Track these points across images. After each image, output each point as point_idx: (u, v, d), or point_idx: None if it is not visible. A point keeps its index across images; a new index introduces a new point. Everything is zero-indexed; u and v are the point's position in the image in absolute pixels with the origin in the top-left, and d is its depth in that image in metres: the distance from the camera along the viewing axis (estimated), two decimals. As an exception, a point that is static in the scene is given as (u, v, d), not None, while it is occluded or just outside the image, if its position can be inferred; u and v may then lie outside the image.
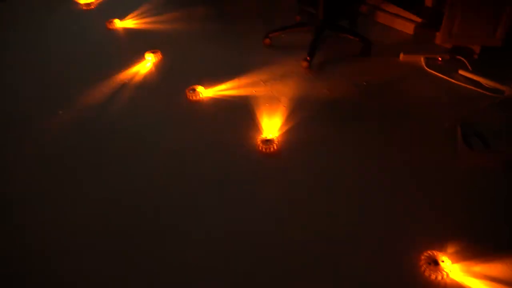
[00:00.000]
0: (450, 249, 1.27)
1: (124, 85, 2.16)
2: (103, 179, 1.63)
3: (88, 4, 3.03)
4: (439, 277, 1.20)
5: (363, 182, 1.55)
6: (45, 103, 2.08)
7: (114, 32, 2.71)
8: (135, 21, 2.79)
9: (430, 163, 1.61)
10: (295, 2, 2.37)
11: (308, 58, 2.18)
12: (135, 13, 2.89)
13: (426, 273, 1.21)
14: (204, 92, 2.05)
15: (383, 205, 1.45)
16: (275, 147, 1.70)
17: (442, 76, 2.09)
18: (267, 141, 1.72)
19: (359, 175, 1.58)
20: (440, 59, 2.19)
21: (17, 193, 1.60)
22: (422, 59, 2.21)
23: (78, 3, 3.07)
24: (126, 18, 2.82)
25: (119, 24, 2.76)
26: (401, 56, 2.25)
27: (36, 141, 1.84)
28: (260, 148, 1.70)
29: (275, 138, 1.74)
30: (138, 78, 2.21)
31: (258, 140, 1.73)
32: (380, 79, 2.13)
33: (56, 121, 1.94)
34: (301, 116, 1.88)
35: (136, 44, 2.53)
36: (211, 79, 2.14)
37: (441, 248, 1.27)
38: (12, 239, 1.42)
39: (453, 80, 2.05)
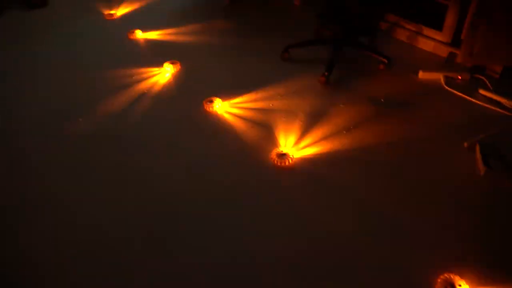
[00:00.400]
0: (468, 273, 1.24)
1: (143, 95, 2.19)
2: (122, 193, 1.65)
3: (111, 15, 3.11)
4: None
5: (377, 199, 1.53)
6: (64, 110, 2.12)
7: (134, 42, 2.76)
8: (156, 32, 2.84)
9: (448, 183, 1.59)
10: (315, 17, 2.37)
11: (326, 73, 2.18)
12: (157, 25, 2.94)
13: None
14: (222, 104, 2.07)
15: (398, 224, 1.43)
16: (290, 161, 1.70)
17: (462, 95, 2.07)
18: (282, 155, 1.72)
19: (372, 192, 1.57)
20: (460, 78, 2.17)
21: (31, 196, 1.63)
22: (441, 77, 2.19)
23: (102, 13, 3.15)
24: (147, 30, 2.88)
25: (140, 35, 2.82)
26: (420, 73, 2.23)
27: (55, 147, 1.88)
28: (275, 161, 1.70)
29: (290, 152, 1.74)
30: (156, 88, 2.24)
31: (273, 153, 1.73)
32: (399, 96, 2.11)
33: (75, 128, 1.98)
34: (317, 131, 1.88)
35: (155, 54, 2.57)
36: (228, 92, 2.16)
37: (459, 271, 1.24)
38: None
39: (472, 99, 2.03)
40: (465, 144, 1.73)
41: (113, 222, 1.49)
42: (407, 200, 1.52)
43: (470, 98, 2.03)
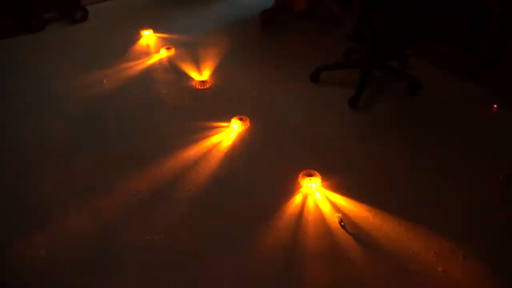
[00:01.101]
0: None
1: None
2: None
3: (146, 30, 3.21)
4: None
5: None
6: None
7: (166, 59, 2.84)
8: (189, 49, 2.92)
9: (479, 214, 1.53)
10: (345, 39, 2.38)
11: (355, 96, 2.17)
12: (190, 43, 3.03)
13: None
14: (244, 126, 2.09)
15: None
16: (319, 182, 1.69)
17: (497, 124, 2.01)
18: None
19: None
20: (495, 106, 2.11)
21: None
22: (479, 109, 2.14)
23: (137, 29, 3.26)
24: (179, 47, 2.95)
25: (167, 52, 2.88)
26: (454, 100, 2.19)
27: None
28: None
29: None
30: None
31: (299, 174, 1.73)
32: (430, 122, 2.07)
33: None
34: (346, 155, 1.87)
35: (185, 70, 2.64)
36: (254, 111, 2.18)
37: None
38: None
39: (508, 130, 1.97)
40: (500, 176, 1.67)
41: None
42: (437, 225, 1.47)
43: (505, 128, 1.97)
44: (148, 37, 3.15)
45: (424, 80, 2.27)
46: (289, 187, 1.67)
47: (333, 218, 1.52)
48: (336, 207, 1.56)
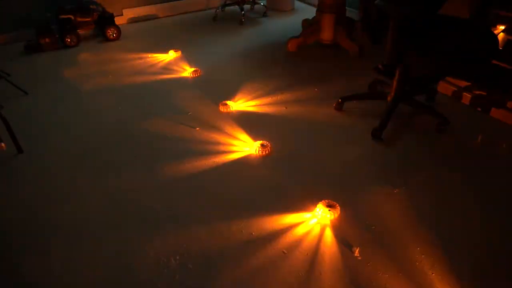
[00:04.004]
0: None
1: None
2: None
3: (174, 51, 3.30)
4: None
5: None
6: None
7: (190, 80, 2.89)
8: (216, 72, 2.97)
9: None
10: (372, 71, 2.37)
11: (379, 128, 2.14)
12: (217, 65, 3.08)
13: None
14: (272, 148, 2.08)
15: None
16: (336, 215, 1.65)
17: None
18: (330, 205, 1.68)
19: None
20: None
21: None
22: (504, 146, 2.08)
23: (165, 49, 3.35)
24: (206, 70, 3.01)
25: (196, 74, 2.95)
26: (479, 138, 2.13)
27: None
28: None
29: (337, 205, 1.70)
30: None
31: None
32: (457, 160, 2.02)
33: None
34: (367, 188, 1.83)
35: (213, 92, 2.67)
36: (279, 137, 2.18)
37: None
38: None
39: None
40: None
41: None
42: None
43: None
44: (175, 58, 3.24)
45: (451, 117, 2.22)
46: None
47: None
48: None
